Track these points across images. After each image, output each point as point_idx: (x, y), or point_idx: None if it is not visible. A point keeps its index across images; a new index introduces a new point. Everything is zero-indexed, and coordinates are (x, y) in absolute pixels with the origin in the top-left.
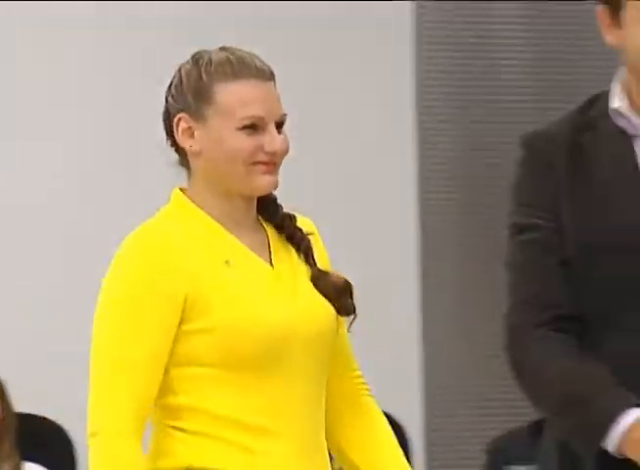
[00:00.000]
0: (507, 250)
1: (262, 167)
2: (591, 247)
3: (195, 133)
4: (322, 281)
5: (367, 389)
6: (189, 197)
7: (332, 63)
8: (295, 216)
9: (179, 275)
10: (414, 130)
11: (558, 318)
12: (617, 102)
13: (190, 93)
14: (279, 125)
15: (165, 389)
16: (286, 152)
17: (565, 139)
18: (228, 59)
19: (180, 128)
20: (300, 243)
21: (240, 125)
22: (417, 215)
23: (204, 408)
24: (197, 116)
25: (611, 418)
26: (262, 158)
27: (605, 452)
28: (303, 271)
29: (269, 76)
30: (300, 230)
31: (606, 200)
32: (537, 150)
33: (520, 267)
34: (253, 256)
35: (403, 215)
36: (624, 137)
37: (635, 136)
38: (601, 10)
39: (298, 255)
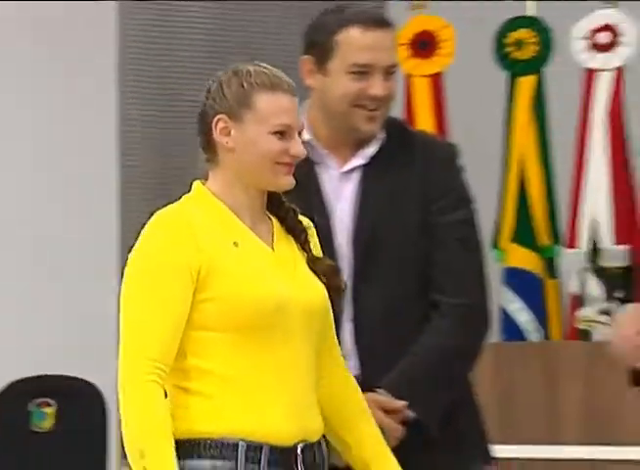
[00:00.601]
0: None
1: (285, 168)
2: None
3: (231, 132)
4: (317, 264)
5: (342, 359)
6: (208, 188)
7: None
8: (296, 210)
9: (194, 252)
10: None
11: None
12: (307, 135)
13: (232, 98)
14: (299, 134)
15: (177, 352)
16: (303, 157)
17: None
18: (265, 73)
19: (218, 127)
20: (300, 233)
21: (273, 130)
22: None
23: (209, 369)
24: (235, 117)
25: None
26: (286, 159)
27: None
28: (301, 257)
29: (295, 92)
30: (300, 222)
31: None
32: None
33: None
34: (258, 240)
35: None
36: (311, 163)
37: (319, 163)
38: (306, 58)
39: (297, 243)
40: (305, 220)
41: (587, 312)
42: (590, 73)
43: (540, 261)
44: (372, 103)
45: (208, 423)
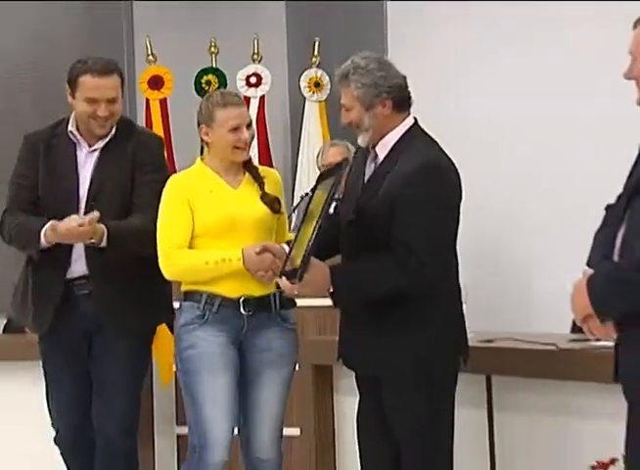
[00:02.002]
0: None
1: (239, 149)
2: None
3: (209, 133)
4: (265, 197)
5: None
6: (202, 160)
7: None
8: (257, 167)
9: (186, 194)
10: None
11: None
12: (72, 128)
13: (205, 114)
14: (247, 127)
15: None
16: (251, 141)
17: (42, 138)
18: (221, 94)
19: (202, 131)
20: (259, 181)
21: (228, 129)
22: None
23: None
24: (208, 125)
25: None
26: (240, 145)
27: None
28: (257, 194)
29: (241, 101)
30: (259, 174)
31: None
32: (30, 142)
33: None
34: (227, 187)
35: None
36: (73, 145)
37: (78, 144)
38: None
39: (258, 186)
40: (272, 174)
41: None
42: (246, 99)
43: None
44: (101, 119)
45: (203, 284)
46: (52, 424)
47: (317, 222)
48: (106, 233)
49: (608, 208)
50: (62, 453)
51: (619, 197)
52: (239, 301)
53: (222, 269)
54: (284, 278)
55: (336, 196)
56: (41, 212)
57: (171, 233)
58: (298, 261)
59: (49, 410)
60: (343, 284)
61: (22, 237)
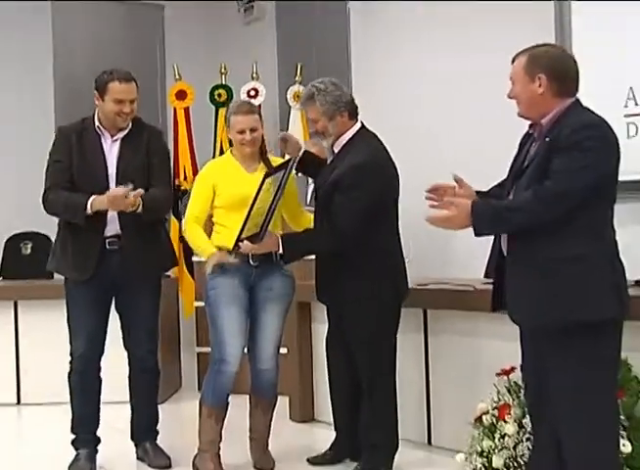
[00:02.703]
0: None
1: (246, 145)
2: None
3: (229, 132)
4: (268, 176)
5: (300, 207)
6: (231, 152)
7: None
8: (269, 158)
9: (213, 178)
10: None
11: None
12: (98, 123)
13: (227, 119)
14: (253, 130)
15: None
16: (257, 139)
17: (74, 130)
18: (235, 104)
19: (226, 132)
20: (269, 167)
21: (237, 131)
22: None
23: (221, 222)
24: (228, 128)
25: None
26: (244, 142)
27: None
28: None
29: (251, 111)
30: (270, 163)
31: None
32: (63, 133)
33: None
34: (244, 172)
35: None
36: (98, 136)
37: (102, 135)
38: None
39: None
40: (280, 161)
41: None
42: None
43: None
44: (124, 114)
45: (219, 242)
46: (71, 353)
47: (272, 203)
48: (141, 203)
49: (498, 185)
50: (71, 374)
51: (506, 179)
52: (248, 256)
53: (201, 253)
54: (245, 241)
55: (283, 184)
56: (76, 190)
57: (193, 206)
58: (257, 230)
59: (70, 340)
60: (289, 245)
61: (69, 209)
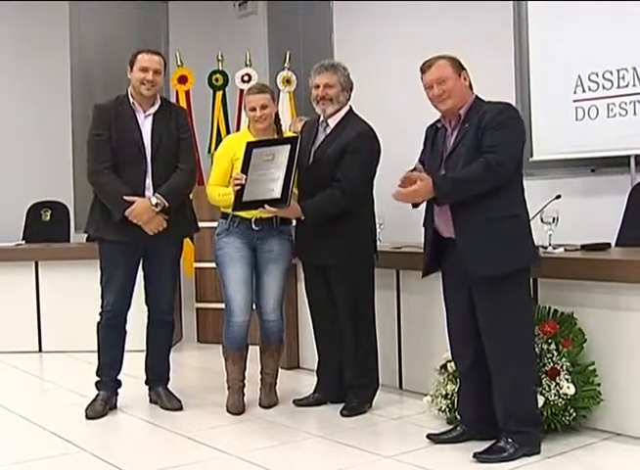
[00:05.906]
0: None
1: (258, 121)
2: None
3: (245, 110)
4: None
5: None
6: (248, 126)
7: None
8: (282, 132)
9: (232, 150)
10: None
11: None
12: (132, 99)
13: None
14: (263, 107)
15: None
16: (268, 114)
17: (111, 106)
18: (251, 87)
19: (243, 110)
20: (280, 136)
21: (249, 108)
22: None
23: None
24: (244, 105)
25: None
26: (255, 118)
27: None
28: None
29: (260, 90)
30: (282, 133)
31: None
32: (101, 110)
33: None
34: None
35: None
36: (132, 111)
37: (136, 110)
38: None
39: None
40: (291, 134)
41: None
42: (241, 91)
43: None
44: (148, 82)
45: (226, 208)
46: (101, 306)
47: (290, 170)
48: (167, 204)
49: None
50: (100, 325)
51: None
52: (251, 220)
53: (226, 199)
54: (267, 206)
55: (295, 158)
56: (117, 160)
57: (214, 177)
58: (276, 194)
59: (102, 295)
60: (310, 210)
61: (110, 202)
